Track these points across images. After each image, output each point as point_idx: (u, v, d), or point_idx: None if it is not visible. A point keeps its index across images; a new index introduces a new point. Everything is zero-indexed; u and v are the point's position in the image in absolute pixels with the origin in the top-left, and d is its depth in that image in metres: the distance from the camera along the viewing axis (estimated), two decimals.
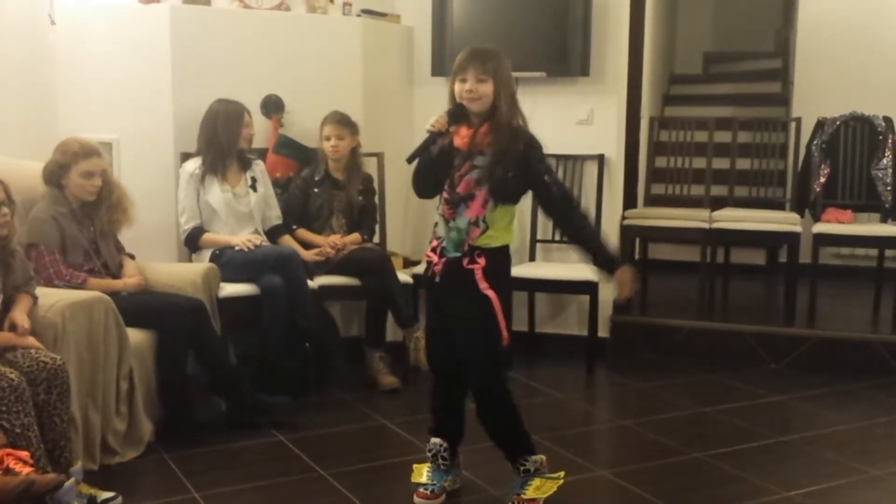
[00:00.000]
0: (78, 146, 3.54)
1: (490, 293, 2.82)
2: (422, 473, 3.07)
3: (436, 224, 2.93)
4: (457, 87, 2.79)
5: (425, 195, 2.99)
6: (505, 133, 2.77)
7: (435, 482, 3.01)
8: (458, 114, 2.77)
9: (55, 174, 3.55)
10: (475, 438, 3.09)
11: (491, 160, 2.76)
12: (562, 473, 3.00)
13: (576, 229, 2.90)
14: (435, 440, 3.05)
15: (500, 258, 2.86)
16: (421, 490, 3.01)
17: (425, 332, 3.16)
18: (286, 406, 3.81)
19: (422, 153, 2.79)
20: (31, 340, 2.97)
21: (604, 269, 2.87)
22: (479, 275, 2.82)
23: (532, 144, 2.81)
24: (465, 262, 2.83)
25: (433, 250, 2.92)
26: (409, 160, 2.83)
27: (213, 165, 4.06)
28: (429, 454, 3.06)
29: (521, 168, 2.78)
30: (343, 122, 4.30)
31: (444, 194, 2.85)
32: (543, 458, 2.97)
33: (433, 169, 2.83)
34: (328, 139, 4.29)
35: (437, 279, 2.88)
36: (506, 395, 2.92)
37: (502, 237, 2.86)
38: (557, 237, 4.73)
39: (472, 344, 2.87)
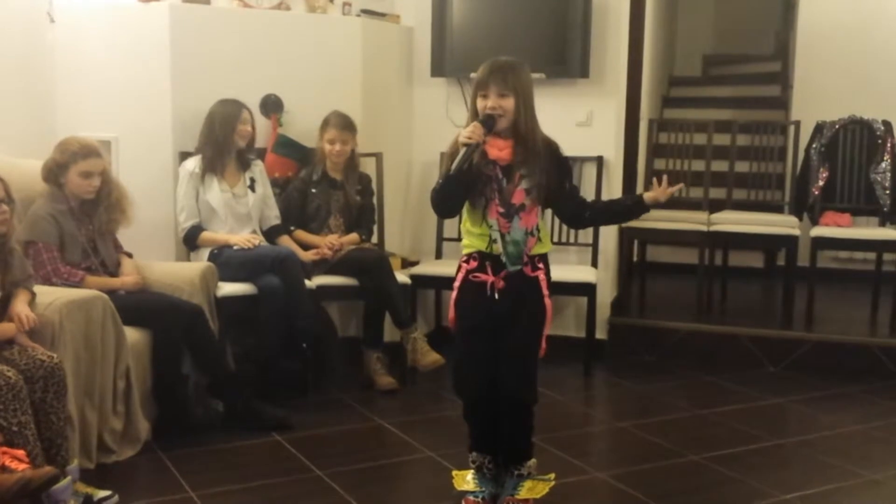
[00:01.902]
0: (78, 146, 3.54)
1: (548, 302, 2.87)
2: (466, 480, 2.99)
3: (470, 246, 2.88)
4: (479, 103, 2.78)
5: (449, 214, 2.95)
6: (538, 145, 2.79)
7: (484, 489, 2.94)
8: (489, 123, 2.75)
9: (54, 172, 3.54)
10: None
11: (537, 172, 2.78)
12: (552, 475, 3.00)
13: (598, 215, 3.07)
14: (477, 454, 2.97)
15: (548, 265, 2.93)
16: (470, 497, 2.94)
17: (464, 358, 2.93)
18: (284, 407, 3.79)
19: (463, 165, 2.71)
20: (26, 340, 2.96)
21: (640, 212, 2.98)
22: (543, 282, 2.87)
23: (559, 149, 2.86)
24: (529, 270, 2.85)
25: (479, 270, 2.85)
26: (454, 173, 2.71)
27: (212, 163, 4.07)
28: (473, 465, 2.98)
29: (567, 176, 2.88)
30: (347, 127, 4.30)
31: (499, 208, 2.80)
32: (535, 461, 2.97)
33: (463, 184, 2.77)
34: (332, 143, 4.29)
35: (497, 295, 2.83)
36: (534, 404, 2.91)
37: (548, 243, 2.94)
38: (555, 239, 4.72)
39: (523, 352, 2.85)
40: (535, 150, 2.78)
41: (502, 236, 2.82)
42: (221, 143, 4.07)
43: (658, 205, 2.91)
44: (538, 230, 2.86)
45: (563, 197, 2.89)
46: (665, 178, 2.88)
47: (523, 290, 2.85)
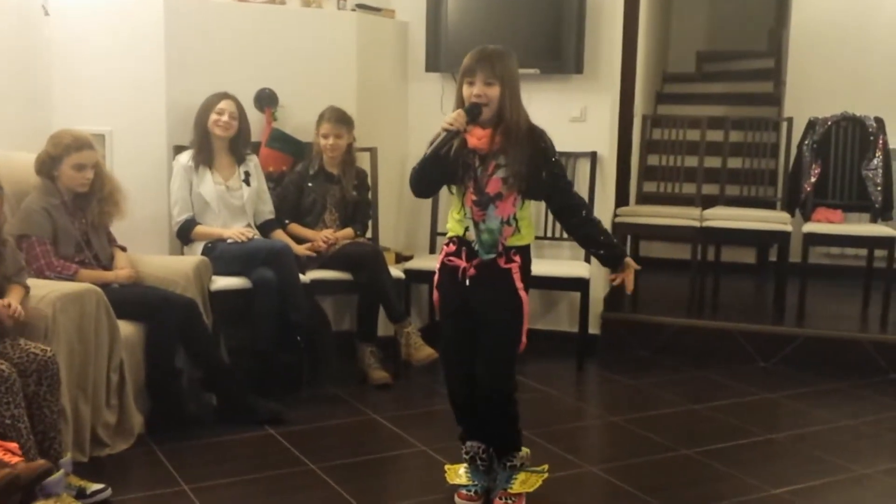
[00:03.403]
0: (70, 138, 3.53)
1: (523, 295, 2.86)
2: (459, 474, 3.02)
3: (451, 230, 2.90)
4: (465, 90, 2.78)
5: (425, 195, 2.98)
6: (521, 134, 2.78)
7: (476, 483, 2.97)
8: (474, 112, 2.75)
9: (47, 165, 3.54)
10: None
11: (516, 160, 2.76)
12: (545, 467, 3.02)
13: (585, 232, 2.92)
14: (471, 443, 2.99)
15: (528, 258, 2.91)
16: (463, 492, 2.95)
17: (446, 342, 3.02)
18: (278, 401, 3.79)
19: (440, 150, 2.74)
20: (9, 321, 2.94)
21: (609, 266, 2.95)
22: (516, 274, 2.85)
23: (548, 141, 2.84)
24: (502, 261, 2.84)
25: (455, 255, 2.88)
26: (430, 156, 2.75)
27: (200, 154, 4.08)
28: (466, 457, 3.01)
29: (545, 165, 2.81)
30: (341, 121, 4.30)
31: (472, 196, 2.81)
32: (528, 451, 3.00)
33: (441, 168, 2.79)
34: (326, 137, 4.28)
35: (468, 282, 2.85)
36: (514, 395, 2.93)
37: (528, 235, 2.91)
38: (549, 234, 4.74)
39: (498, 343, 2.86)
40: (516, 139, 2.77)
41: (475, 224, 2.83)
42: (201, 131, 4.08)
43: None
44: (516, 219, 2.84)
45: (540, 187, 2.84)
46: (630, 281, 2.91)
47: (495, 281, 2.85)
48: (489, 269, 2.85)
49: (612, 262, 2.92)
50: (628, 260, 2.91)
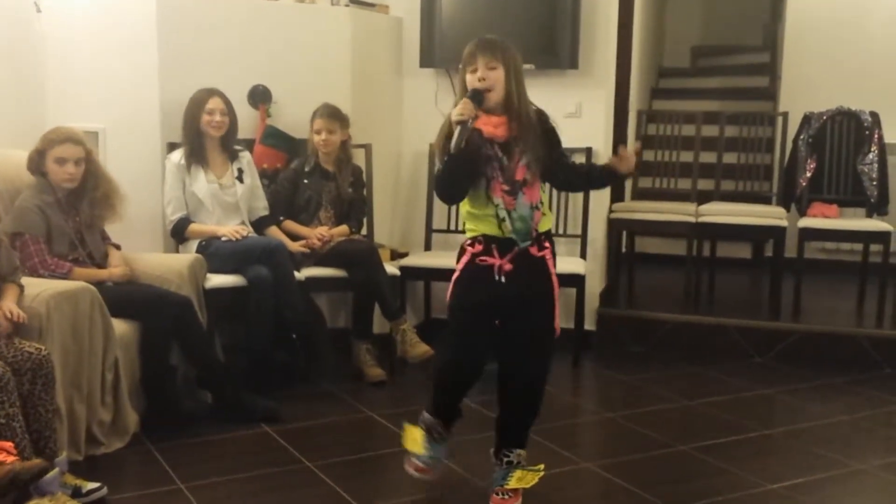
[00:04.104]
0: (56, 133, 3.53)
1: (555, 280, 2.87)
2: (417, 441, 2.99)
3: (474, 230, 2.85)
4: (468, 78, 2.76)
5: (458, 197, 2.86)
6: (532, 118, 2.79)
7: (433, 454, 2.97)
8: (478, 97, 2.73)
9: (35, 161, 3.53)
10: (464, 429, 3.09)
11: (534, 145, 2.78)
12: (541, 466, 3.00)
13: (587, 180, 3.09)
14: (430, 418, 2.98)
15: (553, 241, 2.92)
16: (415, 461, 2.97)
17: (460, 334, 2.90)
18: (273, 399, 3.79)
19: (461, 143, 2.68)
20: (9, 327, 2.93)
21: (614, 181, 3.09)
22: (549, 260, 2.87)
23: (552, 122, 2.88)
24: (535, 250, 2.84)
25: (485, 254, 2.82)
26: (455, 152, 2.68)
27: (192, 153, 4.06)
28: (422, 425, 2.99)
29: (553, 143, 2.86)
30: (334, 116, 4.29)
31: (503, 186, 2.78)
32: (524, 451, 2.98)
33: (468, 163, 2.74)
34: (319, 133, 4.28)
35: (504, 278, 2.80)
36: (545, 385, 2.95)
37: (549, 218, 2.93)
38: None
39: (542, 335, 2.87)
40: (529, 124, 2.78)
41: (509, 213, 2.80)
42: (193, 131, 4.06)
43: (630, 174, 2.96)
44: (541, 203, 2.85)
45: (557, 166, 2.88)
46: (623, 149, 2.90)
47: (531, 271, 2.84)
48: (524, 260, 2.82)
49: (611, 178, 3.00)
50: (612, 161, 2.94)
